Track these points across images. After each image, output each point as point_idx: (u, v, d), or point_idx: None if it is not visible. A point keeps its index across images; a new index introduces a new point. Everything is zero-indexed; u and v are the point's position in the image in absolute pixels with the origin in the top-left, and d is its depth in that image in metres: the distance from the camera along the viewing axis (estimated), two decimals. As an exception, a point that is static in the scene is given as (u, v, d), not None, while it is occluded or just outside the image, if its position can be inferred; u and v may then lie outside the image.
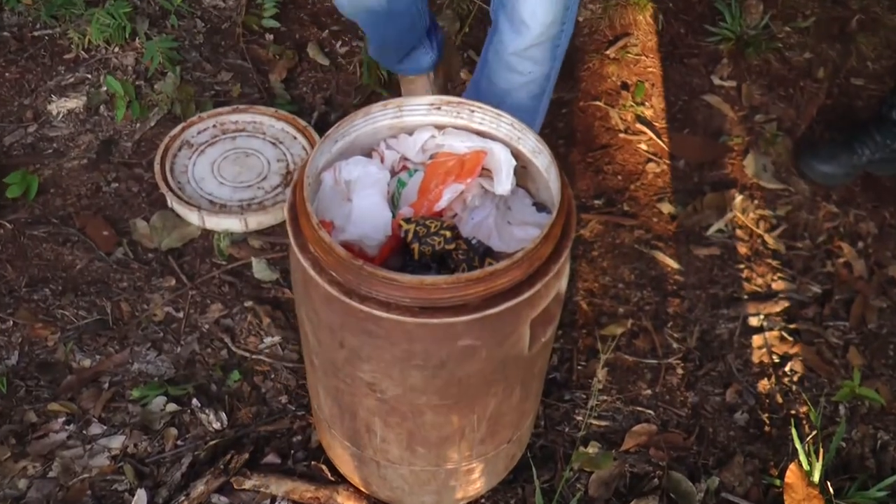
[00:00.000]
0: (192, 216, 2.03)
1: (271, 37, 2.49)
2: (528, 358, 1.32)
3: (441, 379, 1.27)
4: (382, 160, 1.38)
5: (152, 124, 2.25)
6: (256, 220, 2.04)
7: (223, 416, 1.76)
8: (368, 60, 2.35)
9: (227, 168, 2.12)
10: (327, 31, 2.52)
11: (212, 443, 1.72)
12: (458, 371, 1.26)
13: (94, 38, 2.39)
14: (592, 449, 1.73)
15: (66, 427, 1.73)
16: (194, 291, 1.96)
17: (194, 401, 1.77)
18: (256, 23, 2.51)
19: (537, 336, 1.28)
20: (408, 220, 1.27)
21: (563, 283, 1.30)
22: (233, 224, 2.03)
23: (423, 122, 1.37)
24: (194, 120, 2.20)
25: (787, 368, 1.89)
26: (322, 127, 2.26)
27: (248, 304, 1.94)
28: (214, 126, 2.21)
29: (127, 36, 2.40)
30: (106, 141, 2.23)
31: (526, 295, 1.19)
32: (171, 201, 2.05)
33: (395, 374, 1.27)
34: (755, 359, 1.91)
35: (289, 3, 2.60)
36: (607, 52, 2.49)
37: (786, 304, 1.99)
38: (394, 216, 1.32)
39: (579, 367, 1.86)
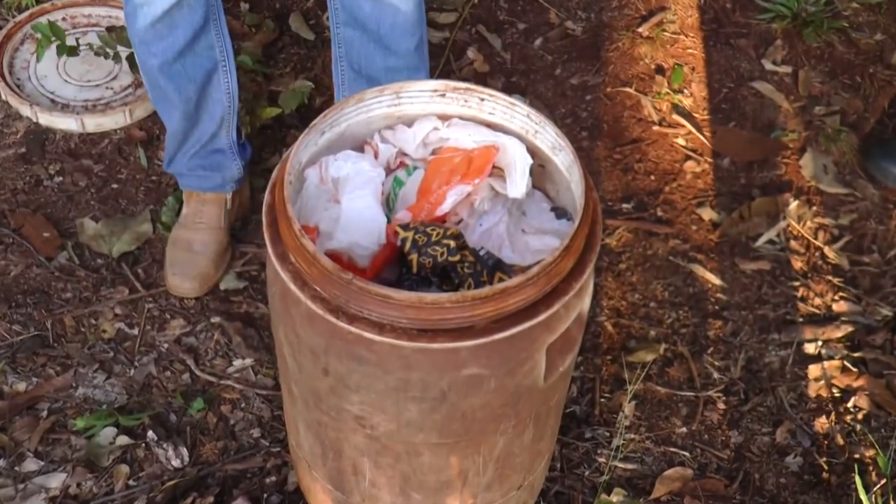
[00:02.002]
0: (25, 109, 2.22)
1: (247, 5, 2.51)
2: (544, 390, 1.33)
3: (441, 413, 1.28)
4: (377, 155, 1.39)
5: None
6: (95, 122, 2.22)
7: (184, 451, 1.77)
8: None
9: (74, 65, 2.32)
10: (312, -1, 2.54)
11: (170, 483, 1.73)
12: (461, 404, 1.27)
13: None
14: (617, 497, 1.74)
15: (-1, 462, 1.74)
16: (151, 304, 1.97)
17: (150, 433, 1.78)
18: (229, -12, 2.53)
19: (555, 364, 1.30)
20: (405, 227, 1.29)
21: (585, 303, 1.32)
22: (69, 124, 2.22)
23: (424, 111, 1.38)
24: (46, 7, 2.39)
25: (849, 404, 1.90)
26: (306, 115, 2.27)
27: (215, 319, 1.95)
28: (65, 19, 2.40)
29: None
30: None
31: (542, 317, 1.21)
32: (3, 93, 2.24)
33: (389, 407, 1.28)
34: (811, 392, 1.92)
35: (267, -34, 2.62)
36: (639, 29, 2.51)
37: (849, 328, 2.00)
38: (389, 221, 1.33)
39: (602, 400, 1.88)
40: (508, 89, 2.34)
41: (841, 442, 1.85)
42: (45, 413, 1.82)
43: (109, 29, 2.38)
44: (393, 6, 1.68)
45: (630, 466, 1.80)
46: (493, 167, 1.37)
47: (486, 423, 1.32)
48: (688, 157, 2.27)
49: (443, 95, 1.38)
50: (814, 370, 1.94)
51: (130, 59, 2.28)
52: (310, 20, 2.51)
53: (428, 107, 1.39)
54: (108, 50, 2.28)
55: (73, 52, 2.24)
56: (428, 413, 1.28)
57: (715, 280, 2.07)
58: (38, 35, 2.23)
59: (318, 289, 1.19)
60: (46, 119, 2.24)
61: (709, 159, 2.28)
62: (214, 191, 2.00)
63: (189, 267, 1.96)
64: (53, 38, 2.19)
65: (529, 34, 2.51)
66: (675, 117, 2.34)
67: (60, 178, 2.17)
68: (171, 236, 2.01)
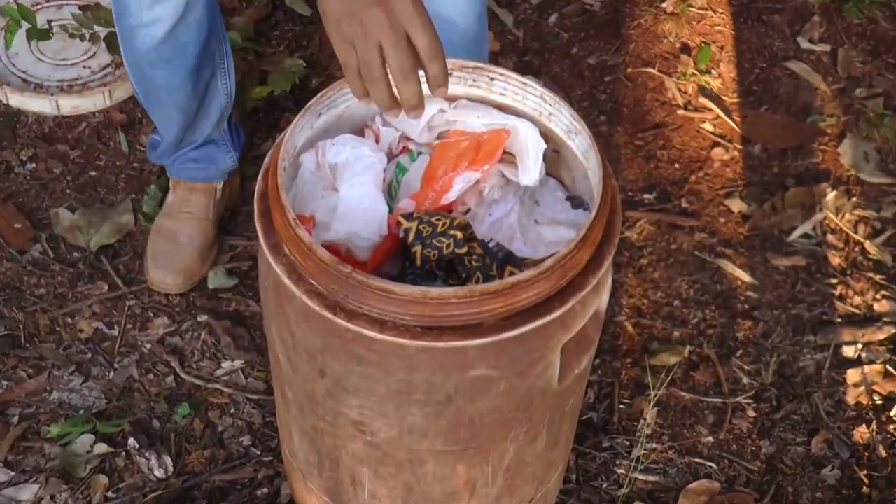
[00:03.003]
0: None
1: (236, -23, 2.52)
2: (558, 393, 1.34)
3: (447, 418, 1.29)
4: (378, 140, 1.40)
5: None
6: (71, 104, 2.24)
7: (168, 460, 1.79)
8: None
9: (48, 42, 2.32)
10: (307, -29, 2.55)
11: (152, 495, 1.75)
12: (468, 408, 1.28)
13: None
14: (638, 511, 1.76)
15: (-33, 472, 1.76)
16: (132, 301, 1.99)
17: (131, 440, 1.80)
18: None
19: (570, 365, 1.31)
20: (409, 217, 1.30)
21: (603, 300, 1.33)
22: (43, 106, 2.23)
23: (429, 91, 1.39)
24: None
25: (892, 413, 1.91)
26: (302, 96, 2.28)
27: (202, 318, 1.97)
28: None
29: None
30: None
31: (556, 313, 1.21)
32: None
33: (390, 412, 1.29)
34: (850, 399, 1.93)
35: (258, -65, 2.63)
36: (663, 4, 2.52)
37: (891, 330, 2.01)
38: (391, 211, 1.34)
39: (622, 406, 1.89)
40: (521, 69, 2.35)
41: (883, 453, 1.86)
42: (16, 419, 1.83)
43: (84, 8, 2.38)
44: (450, 22, 1.57)
45: (651, 479, 1.81)
46: (504, 152, 1.37)
47: (495, 428, 1.33)
48: (715, 144, 2.28)
49: (450, 74, 1.38)
50: (853, 375, 1.95)
51: (110, 38, 2.30)
52: (306, -6, 2.52)
53: (433, 86, 1.39)
54: (84, 31, 2.29)
55: (44, 35, 2.25)
56: (433, 418, 1.29)
57: (745, 277, 2.08)
58: (8, 18, 2.24)
59: (314, 283, 1.20)
60: (17, 100, 2.25)
61: (738, 146, 2.28)
62: (205, 181, 2.01)
63: (173, 260, 1.97)
64: (23, 22, 2.20)
65: (543, 10, 2.51)
66: (702, 100, 2.35)
67: (33, 165, 2.18)
68: (154, 225, 2.02)
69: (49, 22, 2.33)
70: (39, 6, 2.39)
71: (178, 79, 1.76)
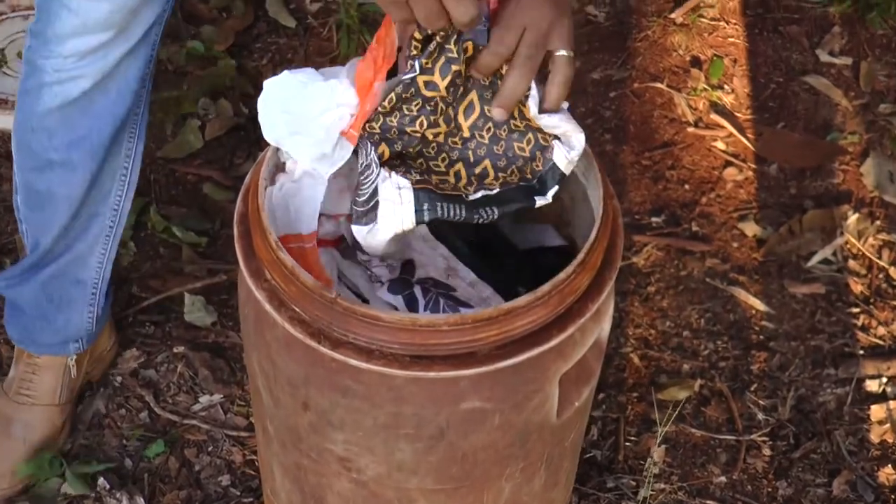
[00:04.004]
0: None
1: (216, -14, 2.56)
2: (557, 427, 1.35)
3: (438, 454, 1.30)
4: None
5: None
6: None
7: (140, 502, 1.80)
8: (348, 23, 2.40)
9: (15, 54, 2.32)
10: (292, -20, 2.58)
11: (124, 539, 1.76)
12: (461, 444, 1.29)
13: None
14: (645, 557, 1.77)
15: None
16: (104, 332, 2.00)
17: (101, 481, 1.80)
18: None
19: (569, 398, 1.32)
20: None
21: (604, 328, 1.34)
22: (7, 123, 2.12)
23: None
24: None
25: (917, 452, 1.93)
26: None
27: (179, 349, 1.98)
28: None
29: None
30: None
31: (554, 341, 1.22)
32: None
33: (378, 447, 1.30)
34: (874, 437, 1.94)
35: (240, -58, 2.66)
36: (672, 15, 2.55)
37: (917, 363, 2.03)
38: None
39: (628, 444, 1.90)
40: (520, 84, 2.37)
41: (908, 494, 1.87)
42: (-21, 458, 1.84)
43: None
44: None
45: (660, 522, 1.83)
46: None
47: (489, 465, 1.34)
48: (728, 164, 2.30)
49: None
50: (877, 411, 1.96)
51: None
52: (290, 4, 2.54)
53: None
54: None
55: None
56: (423, 454, 1.30)
57: (760, 305, 2.09)
58: None
59: (297, 309, 1.22)
60: None
61: (753, 166, 2.30)
62: (52, 352, 1.78)
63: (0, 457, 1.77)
64: None
65: (545, 20, 2.53)
66: (714, 117, 2.37)
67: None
68: None
69: (9, 37, 2.35)
70: (4, 16, 2.42)
71: (78, 156, 1.57)
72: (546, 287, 1.20)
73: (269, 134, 1.24)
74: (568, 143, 1.27)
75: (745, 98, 2.41)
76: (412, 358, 1.19)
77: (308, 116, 1.23)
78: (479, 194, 1.26)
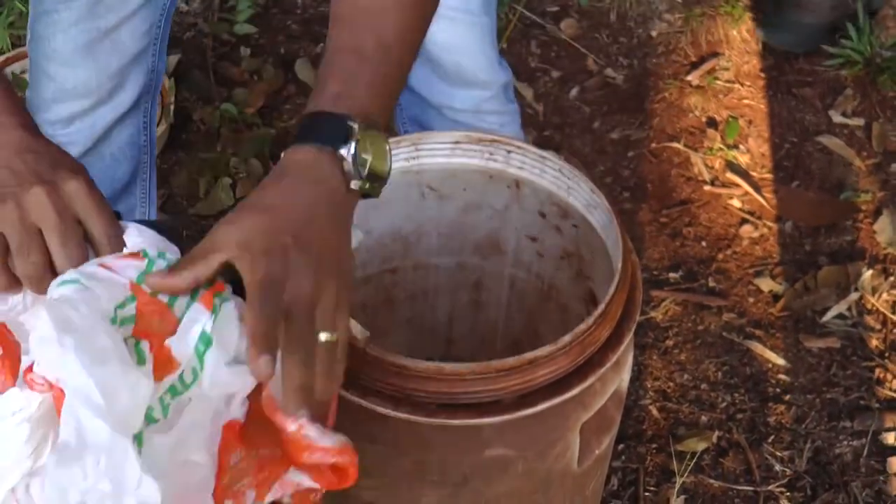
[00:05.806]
0: None
1: (248, 50, 2.61)
2: (578, 476, 1.36)
3: (463, 501, 1.31)
4: None
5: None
6: None
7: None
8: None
9: None
10: (322, 45, 2.63)
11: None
12: (485, 491, 1.30)
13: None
14: None
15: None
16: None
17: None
18: (228, 30, 2.63)
19: (590, 446, 1.33)
20: None
21: (624, 379, 1.36)
22: None
23: (444, 164, 1.45)
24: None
25: (935, 505, 1.92)
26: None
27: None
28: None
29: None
30: None
31: (575, 391, 1.24)
32: None
33: (403, 494, 1.31)
34: (891, 489, 1.93)
35: (272, 7, 2.72)
36: (689, 77, 2.58)
37: (933, 416, 2.03)
38: None
39: (647, 494, 1.90)
40: (541, 144, 2.40)
41: (925, 547, 1.86)
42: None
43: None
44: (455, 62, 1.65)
45: (679, 572, 1.82)
46: None
47: (513, 512, 1.36)
48: (744, 221, 2.32)
49: (464, 148, 1.45)
50: (893, 463, 1.95)
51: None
52: (318, 67, 2.59)
53: (449, 160, 1.45)
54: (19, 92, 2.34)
55: None
56: (447, 500, 1.31)
57: (776, 359, 2.10)
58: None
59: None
60: None
61: (769, 223, 2.32)
62: None
63: None
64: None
65: (564, 83, 2.57)
66: (730, 176, 2.39)
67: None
68: None
69: None
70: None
71: None
72: (567, 338, 1.22)
73: None
74: None
75: (760, 157, 2.44)
76: (439, 406, 1.21)
77: None
78: None
